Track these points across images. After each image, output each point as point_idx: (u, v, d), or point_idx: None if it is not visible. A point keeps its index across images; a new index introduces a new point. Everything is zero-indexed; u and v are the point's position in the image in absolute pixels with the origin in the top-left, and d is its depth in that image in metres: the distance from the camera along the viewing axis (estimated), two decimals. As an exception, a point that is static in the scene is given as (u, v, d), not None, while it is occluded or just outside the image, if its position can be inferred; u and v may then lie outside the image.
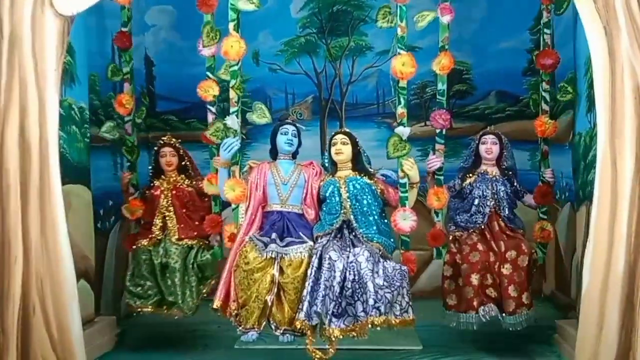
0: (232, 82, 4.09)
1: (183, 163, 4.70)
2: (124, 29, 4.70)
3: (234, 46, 4.03)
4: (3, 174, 3.41)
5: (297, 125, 4.31)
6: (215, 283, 4.21)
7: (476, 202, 4.37)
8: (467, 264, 4.20)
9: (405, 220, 3.96)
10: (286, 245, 3.92)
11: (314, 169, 4.26)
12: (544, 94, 4.58)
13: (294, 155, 4.30)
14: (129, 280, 4.50)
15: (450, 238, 4.42)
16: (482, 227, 4.35)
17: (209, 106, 4.28)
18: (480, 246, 4.25)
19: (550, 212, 4.71)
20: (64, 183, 3.62)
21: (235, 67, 4.09)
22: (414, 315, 3.81)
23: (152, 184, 4.69)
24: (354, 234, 4.01)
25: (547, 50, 4.57)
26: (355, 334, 3.69)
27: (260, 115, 4.27)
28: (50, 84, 3.51)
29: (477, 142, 4.51)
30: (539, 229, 4.55)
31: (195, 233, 4.51)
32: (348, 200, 4.02)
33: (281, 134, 4.21)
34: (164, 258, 4.44)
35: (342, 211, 4.03)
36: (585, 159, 4.28)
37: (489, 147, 4.44)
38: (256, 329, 3.89)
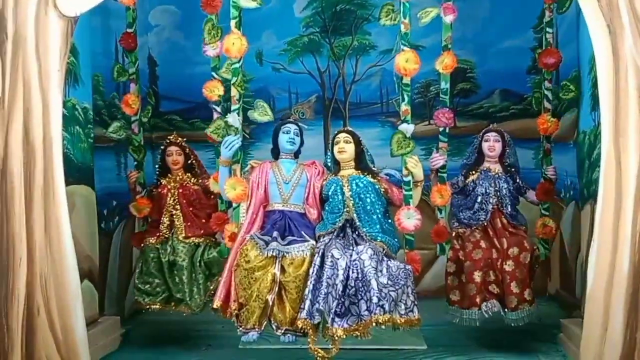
0: (234, 80, 4.09)
1: (189, 162, 4.74)
2: (129, 30, 4.71)
3: (235, 43, 4.02)
4: (7, 175, 3.43)
5: (299, 124, 4.30)
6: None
7: (479, 199, 4.38)
8: (470, 261, 4.24)
9: (409, 219, 3.93)
10: (288, 244, 3.90)
11: (316, 168, 4.24)
12: (546, 92, 4.57)
13: (296, 155, 4.29)
14: (137, 278, 4.56)
15: (454, 235, 4.44)
16: (485, 224, 4.37)
17: (214, 106, 4.28)
18: (483, 243, 4.28)
19: (552, 209, 4.70)
20: (67, 183, 3.63)
21: (237, 65, 4.09)
22: (419, 315, 3.80)
23: (159, 183, 4.73)
24: (357, 232, 4.00)
25: (549, 49, 4.56)
26: (358, 334, 3.66)
27: (261, 113, 4.26)
28: (54, 85, 3.52)
29: (479, 139, 4.53)
30: (541, 225, 4.56)
31: (202, 231, 4.54)
32: (351, 198, 4.00)
33: (283, 133, 4.20)
34: (171, 256, 4.48)
35: (344, 210, 4.02)
36: (590, 158, 4.27)
37: (491, 144, 4.45)
38: (257, 329, 3.86)
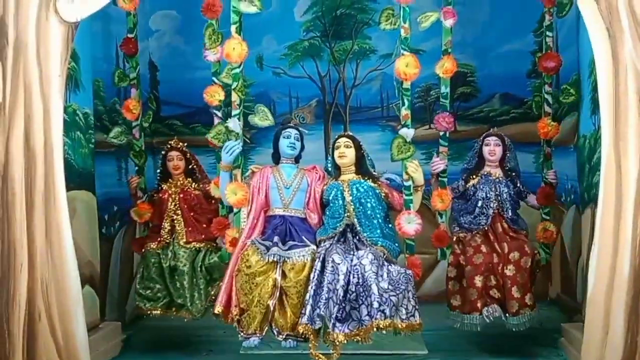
0: (234, 85, 4.09)
1: (190, 167, 4.75)
2: (130, 35, 4.72)
3: (235, 48, 4.02)
4: (8, 180, 3.43)
5: (300, 129, 4.30)
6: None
7: (479, 203, 4.38)
8: (471, 266, 4.23)
9: (410, 223, 3.93)
10: (289, 249, 3.89)
11: (317, 173, 4.24)
12: (546, 96, 4.58)
13: (297, 159, 4.29)
14: (138, 283, 4.55)
15: (454, 239, 4.43)
16: (486, 228, 4.37)
17: (214, 111, 4.29)
18: (483, 248, 4.28)
19: (553, 213, 4.70)
20: (68, 189, 3.64)
21: (237, 70, 4.09)
22: (420, 319, 3.79)
23: (160, 188, 4.73)
24: (357, 237, 4.00)
25: (549, 53, 4.56)
26: (359, 339, 3.66)
27: (262, 118, 4.27)
28: (55, 90, 3.53)
29: (480, 143, 4.53)
30: (542, 229, 4.56)
31: (203, 236, 4.54)
32: (352, 203, 4.00)
33: (283, 137, 4.20)
34: (172, 261, 4.48)
35: (345, 214, 4.02)
36: (590, 162, 4.28)
37: (492, 148, 4.45)
38: (258, 335, 3.86)
